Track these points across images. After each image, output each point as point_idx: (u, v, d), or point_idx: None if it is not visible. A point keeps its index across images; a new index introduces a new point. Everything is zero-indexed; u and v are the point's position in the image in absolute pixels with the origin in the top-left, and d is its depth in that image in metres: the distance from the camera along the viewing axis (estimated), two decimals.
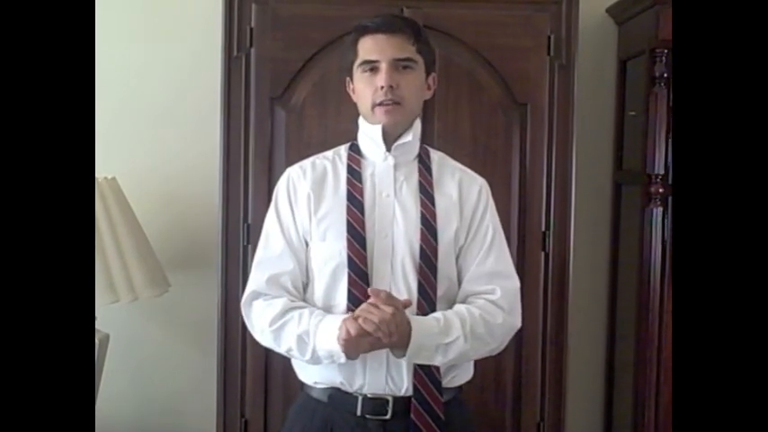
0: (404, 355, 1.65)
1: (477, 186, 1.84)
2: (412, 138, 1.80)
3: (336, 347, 1.64)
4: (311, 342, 1.68)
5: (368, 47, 1.76)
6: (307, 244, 1.79)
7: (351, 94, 1.84)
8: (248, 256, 2.32)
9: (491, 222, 1.82)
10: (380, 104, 1.75)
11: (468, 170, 1.88)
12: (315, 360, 1.71)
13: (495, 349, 1.78)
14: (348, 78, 1.83)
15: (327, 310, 1.75)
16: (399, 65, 1.75)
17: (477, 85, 2.39)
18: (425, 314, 1.71)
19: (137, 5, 2.74)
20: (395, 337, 1.61)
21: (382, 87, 1.73)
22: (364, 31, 1.77)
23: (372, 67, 1.75)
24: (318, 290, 1.77)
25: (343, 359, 1.65)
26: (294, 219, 1.80)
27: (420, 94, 1.82)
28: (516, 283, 1.81)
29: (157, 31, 2.73)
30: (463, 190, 1.82)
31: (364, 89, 1.77)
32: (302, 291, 1.80)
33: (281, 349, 1.75)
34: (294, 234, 1.79)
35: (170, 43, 2.72)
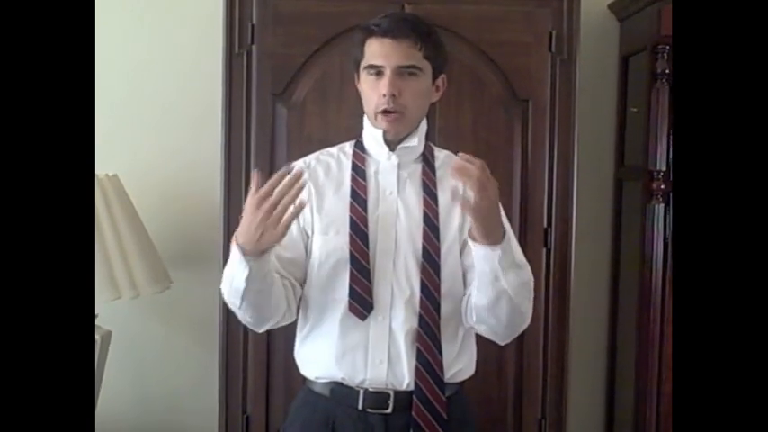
0: (499, 243, 1.59)
1: None
2: (417, 142, 1.80)
3: (236, 251, 1.57)
4: (228, 271, 1.64)
5: (373, 50, 1.74)
6: (308, 236, 1.78)
7: (360, 90, 1.83)
8: None
9: None
10: (383, 112, 1.74)
11: None
12: (235, 287, 1.62)
13: (525, 317, 1.72)
14: (356, 74, 1.83)
15: (327, 304, 1.74)
16: (404, 72, 1.72)
17: (479, 82, 2.38)
18: (428, 312, 1.70)
19: (138, 2, 2.74)
20: (490, 192, 1.55)
21: (384, 95, 1.72)
22: (371, 32, 1.75)
23: (377, 71, 1.74)
24: (318, 283, 1.76)
25: (245, 264, 1.56)
26: None
27: (425, 100, 1.80)
28: (528, 272, 1.71)
29: (158, 28, 2.73)
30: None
31: (369, 92, 1.77)
32: (296, 280, 1.77)
33: (225, 297, 1.70)
34: (294, 225, 1.77)
35: (171, 40, 2.73)
